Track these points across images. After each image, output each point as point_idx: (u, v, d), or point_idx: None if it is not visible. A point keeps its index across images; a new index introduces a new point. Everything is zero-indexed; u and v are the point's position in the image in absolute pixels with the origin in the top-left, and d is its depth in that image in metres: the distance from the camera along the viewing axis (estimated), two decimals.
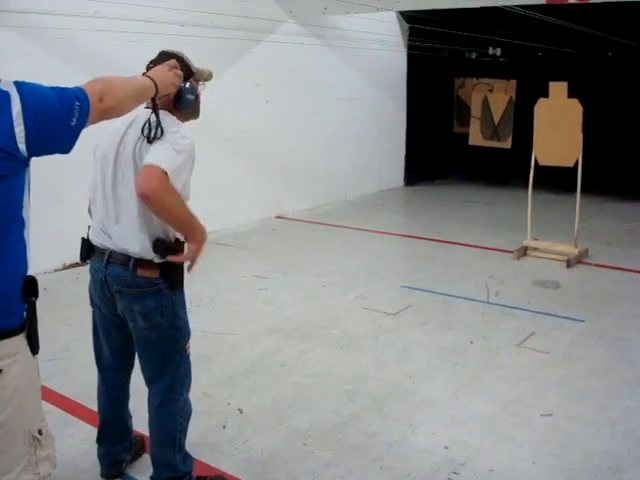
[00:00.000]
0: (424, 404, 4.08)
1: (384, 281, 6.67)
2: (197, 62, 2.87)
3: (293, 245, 8.05)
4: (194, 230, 2.66)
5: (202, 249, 2.68)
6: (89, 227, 2.88)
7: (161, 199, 2.49)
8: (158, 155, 2.53)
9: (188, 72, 2.78)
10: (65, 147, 1.99)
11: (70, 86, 2.00)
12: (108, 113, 2.09)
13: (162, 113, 2.65)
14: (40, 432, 2.08)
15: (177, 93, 2.72)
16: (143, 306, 2.73)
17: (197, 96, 2.87)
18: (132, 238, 2.68)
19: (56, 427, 3.50)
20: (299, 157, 9.63)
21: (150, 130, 2.59)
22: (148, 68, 2.69)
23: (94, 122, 2.04)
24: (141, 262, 2.69)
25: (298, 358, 4.73)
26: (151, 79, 2.40)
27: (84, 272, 3.08)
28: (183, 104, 2.78)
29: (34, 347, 2.05)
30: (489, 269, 6.96)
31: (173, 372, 2.87)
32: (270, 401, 4.09)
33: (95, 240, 2.81)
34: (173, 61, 2.60)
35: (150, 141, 2.59)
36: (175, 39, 6.06)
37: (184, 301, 2.90)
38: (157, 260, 2.70)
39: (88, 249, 2.84)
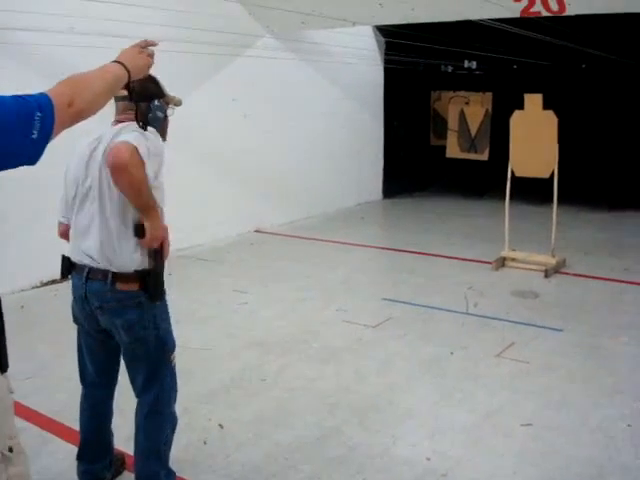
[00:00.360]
0: (405, 416, 4.08)
1: (364, 294, 6.69)
2: (175, 77, 2.90)
3: (272, 259, 8.05)
4: (152, 208, 2.70)
5: (159, 229, 2.76)
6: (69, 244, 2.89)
7: (130, 171, 2.53)
8: (127, 136, 2.62)
9: (159, 93, 2.86)
10: (28, 161, 1.86)
11: (34, 93, 1.86)
12: (80, 116, 1.96)
13: (129, 125, 2.72)
14: (11, 449, 2.05)
15: (146, 109, 2.78)
16: (124, 320, 2.74)
17: (166, 117, 2.93)
18: (108, 253, 2.69)
19: (35, 445, 3.48)
20: (277, 171, 9.64)
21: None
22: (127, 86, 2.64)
23: (66, 127, 1.92)
24: (119, 276, 2.70)
25: (279, 372, 4.72)
26: (121, 64, 2.20)
27: (62, 289, 3.08)
28: (152, 120, 2.81)
29: (2, 365, 2.00)
30: (468, 280, 6.99)
31: (161, 383, 2.88)
32: (251, 416, 4.07)
33: (74, 257, 2.81)
34: (144, 41, 2.40)
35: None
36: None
37: (167, 312, 2.91)
38: (134, 272, 2.71)
39: (68, 266, 2.84)
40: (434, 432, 3.87)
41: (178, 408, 3.08)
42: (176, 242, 8.17)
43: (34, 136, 1.79)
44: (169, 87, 2.99)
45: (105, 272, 2.71)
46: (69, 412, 3.27)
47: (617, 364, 4.88)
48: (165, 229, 2.81)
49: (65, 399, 3.92)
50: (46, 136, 1.84)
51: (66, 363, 3.13)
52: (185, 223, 7.78)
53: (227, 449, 3.67)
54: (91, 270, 2.74)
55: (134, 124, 2.75)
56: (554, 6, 6.94)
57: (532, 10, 7.12)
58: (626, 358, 5.00)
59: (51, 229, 3.02)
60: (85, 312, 2.82)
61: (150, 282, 2.75)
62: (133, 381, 2.93)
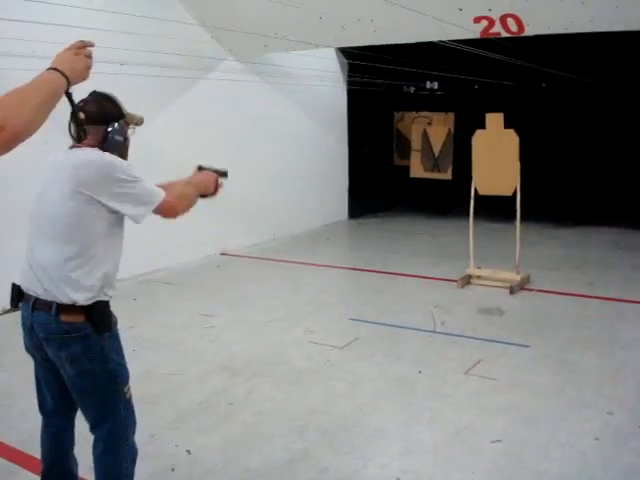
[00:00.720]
0: (375, 436, 4.06)
1: (331, 314, 6.67)
2: (138, 100, 2.83)
3: (238, 281, 8.00)
4: (201, 192, 3.01)
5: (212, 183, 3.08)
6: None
7: (182, 213, 2.86)
8: (145, 197, 2.65)
9: (119, 114, 2.76)
10: None
11: None
12: (17, 138, 1.73)
13: (89, 150, 2.63)
14: None
15: (105, 133, 2.69)
16: (69, 353, 2.63)
17: (126, 139, 2.82)
18: (56, 284, 2.61)
19: (0, 476, 3.39)
20: (242, 193, 9.59)
21: (77, 131, 2.54)
22: (80, 109, 2.55)
23: (1, 154, 1.73)
24: (63, 307, 2.60)
25: (246, 396, 4.67)
26: (57, 70, 1.98)
27: None
28: (110, 145, 2.71)
29: None
30: (434, 299, 7.02)
31: (114, 417, 2.77)
32: (219, 441, 4.01)
33: (24, 286, 2.73)
34: (79, 42, 2.18)
35: (79, 141, 2.61)
36: (115, 78, 6.02)
37: (118, 343, 2.79)
38: (80, 303, 2.61)
39: (19, 295, 2.76)
40: (404, 452, 3.85)
41: (144, 435, 3.02)
42: (141, 266, 8.12)
43: None
44: (132, 110, 2.89)
45: (50, 302, 2.62)
46: (34, 442, 3.18)
47: (584, 378, 4.92)
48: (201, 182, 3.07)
49: (29, 428, 3.82)
50: None
51: (29, 392, 3.05)
52: (150, 247, 7.70)
53: (195, 475, 3.61)
54: (37, 300, 2.65)
55: (93, 150, 2.65)
56: (513, 27, 7.07)
57: (492, 31, 7.24)
58: (592, 372, 5.04)
59: (16, 255, 2.95)
60: (33, 342, 2.73)
61: (97, 313, 2.65)
62: (85, 416, 2.83)
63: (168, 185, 2.83)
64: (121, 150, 2.78)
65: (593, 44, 9.15)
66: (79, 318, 2.62)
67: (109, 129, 2.71)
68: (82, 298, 2.61)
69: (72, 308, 2.61)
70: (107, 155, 2.61)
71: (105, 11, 6.72)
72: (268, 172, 10.13)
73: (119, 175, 2.57)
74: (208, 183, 3.08)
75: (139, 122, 2.87)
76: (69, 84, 2.01)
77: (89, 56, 2.14)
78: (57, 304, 2.60)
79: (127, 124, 2.82)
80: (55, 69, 1.98)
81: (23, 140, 1.76)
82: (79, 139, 2.56)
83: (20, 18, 5.96)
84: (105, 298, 2.69)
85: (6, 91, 1.82)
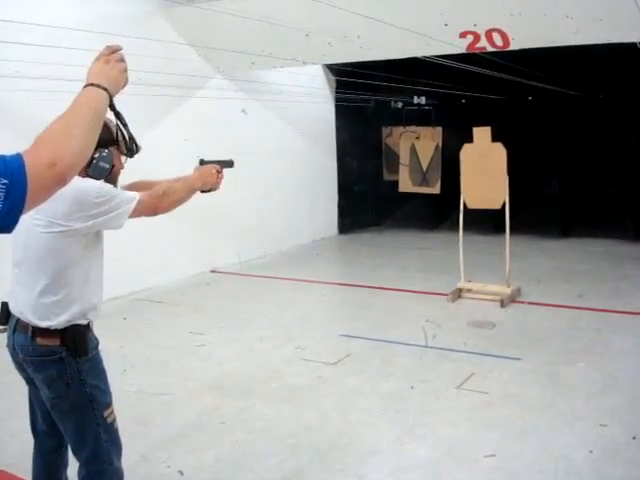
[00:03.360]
0: (368, 453, 4.04)
1: (322, 331, 6.65)
2: (126, 119, 2.60)
3: (228, 299, 7.97)
4: (192, 186, 2.98)
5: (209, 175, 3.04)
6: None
7: (165, 209, 2.81)
8: (120, 208, 2.58)
9: (110, 139, 2.58)
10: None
11: (7, 154, 1.58)
12: (72, 171, 1.66)
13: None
14: None
15: (90, 158, 2.50)
16: (45, 375, 2.62)
17: (113, 166, 2.67)
18: (31, 311, 2.60)
19: None
20: (232, 210, 9.60)
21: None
22: None
23: (54, 190, 1.64)
24: (39, 330, 2.59)
25: (238, 414, 4.64)
26: (95, 86, 1.85)
27: None
28: (94, 171, 2.60)
29: None
30: (425, 313, 7.01)
31: (94, 441, 2.72)
32: (211, 461, 3.98)
33: (10, 305, 2.72)
34: (106, 48, 2.02)
35: (132, 155, 2.56)
36: None
37: (97, 367, 2.75)
38: (55, 327, 2.59)
39: (7, 314, 2.75)
40: (397, 468, 3.83)
41: (135, 455, 3.00)
42: (131, 285, 8.07)
43: None
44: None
45: (27, 324, 2.61)
46: (23, 464, 3.15)
47: (575, 390, 4.92)
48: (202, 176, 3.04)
49: (18, 451, 3.78)
50: (15, 206, 1.54)
51: (18, 414, 3.03)
52: (139, 265, 7.69)
53: None
54: (18, 321, 2.65)
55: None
56: (499, 41, 7.12)
57: (477, 45, 7.29)
58: (584, 384, 5.04)
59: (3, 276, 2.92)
60: (17, 363, 2.75)
61: (73, 337, 2.62)
62: (66, 439, 2.80)
63: (156, 183, 2.87)
64: (107, 177, 2.66)
65: (578, 57, 9.23)
66: (54, 341, 2.60)
67: (95, 154, 2.57)
68: (57, 323, 2.60)
69: (47, 331, 2.60)
70: (78, 181, 2.44)
71: (92, 31, 6.71)
72: (257, 189, 10.12)
73: (92, 200, 2.51)
74: (205, 178, 3.05)
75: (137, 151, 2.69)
76: (111, 96, 1.89)
77: (121, 60, 2.00)
78: (32, 327, 2.60)
79: (120, 152, 2.68)
80: (92, 84, 1.86)
81: (78, 170, 1.71)
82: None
83: (3, 39, 5.95)
84: (82, 322, 2.66)
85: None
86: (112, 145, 2.64)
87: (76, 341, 2.63)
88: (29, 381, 2.80)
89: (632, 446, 4.01)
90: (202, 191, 3.06)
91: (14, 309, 2.68)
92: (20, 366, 2.74)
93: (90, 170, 2.60)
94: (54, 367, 2.61)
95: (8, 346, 2.75)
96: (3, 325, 2.80)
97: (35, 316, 2.59)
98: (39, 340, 2.60)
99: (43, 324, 2.59)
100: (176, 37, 8.26)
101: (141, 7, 7.90)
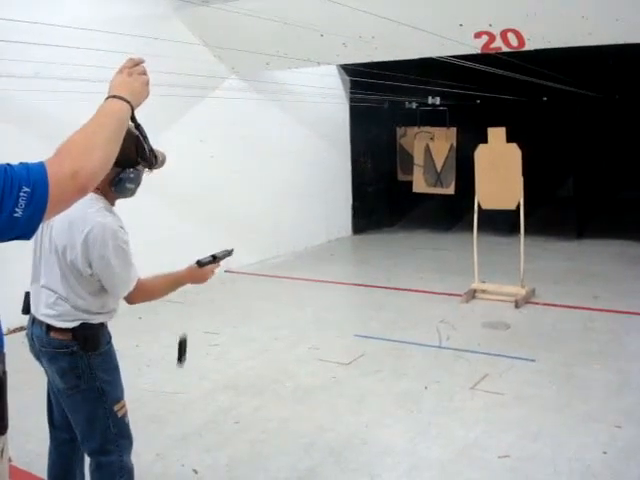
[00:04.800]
0: (382, 453, 4.04)
1: (336, 331, 6.65)
2: (141, 121, 2.51)
3: (243, 299, 8.00)
4: (180, 284, 3.00)
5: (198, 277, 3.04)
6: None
7: (146, 300, 2.86)
8: (121, 277, 2.66)
9: (137, 158, 2.60)
10: (17, 238, 1.60)
11: (30, 162, 1.59)
12: (94, 181, 1.68)
13: (91, 197, 2.53)
14: None
15: (116, 178, 2.58)
16: (58, 367, 2.73)
17: (138, 184, 2.72)
18: (47, 305, 2.71)
19: None
20: (246, 211, 9.63)
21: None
22: None
23: (74, 200, 1.66)
24: (52, 327, 2.71)
25: (252, 414, 4.66)
26: (117, 97, 1.86)
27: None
28: (119, 191, 2.66)
29: (2, 427, 1.84)
30: (439, 314, 7.00)
31: (102, 434, 2.80)
32: (225, 460, 4.00)
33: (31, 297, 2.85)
34: (129, 60, 2.02)
35: (151, 168, 2.59)
36: None
37: (109, 362, 2.82)
38: (66, 327, 2.69)
39: (28, 305, 2.86)
40: (411, 468, 3.84)
41: (150, 454, 3.02)
42: None
43: (17, 214, 1.52)
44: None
45: (41, 322, 2.74)
46: (39, 463, 3.18)
47: (590, 392, 4.90)
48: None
49: (35, 449, 3.82)
50: (36, 215, 1.55)
51: (33, 414, 3.06)
52: (153, 265, 7.68)
53: None
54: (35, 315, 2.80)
55: (100, 202, 2.63)
56: (514, 41, 7.10)
57: (492, 46, 7.27)
58: (599, 385, 5.02)
59: (18, 276, 2.97)
60: (34, 352, 2.85)
61: (80, 334, 2.70)
62: (76, 431, 2.87)
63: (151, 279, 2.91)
64: (128, 195, 2.74)
65: (594, 57, 9.18)
66: (67, 336, 2.70)
67: (122, 175, 2.61)
68: (70, 325, 2.70)
69: (59, 329, 2.70)
70: (108, 226, 2.59)
71: (106, 32, 6.77)
72: (271, 189, 10.15)
73: (118, 247, 2.63)
74: (197, 279, 3.08)
75: (160, 164, 2.69)
76: (132, 108, 1.89)
77: (144, 73, 2.01)
78: (46, 324, 2.71)
79: (145, 167, 2.68)
80: (114, 96, 1.86)
81: (99, 180, 1.72)
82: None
83: (21, 40, 6.00)
84: (95, 321, 2.74)
85: (15, 112, 1.79)
86: (138, 164, 2.65)
87: (87, 338, 2.72)
88: (45, 373, 2.89)
89: None
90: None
91: (32, 302, 2.80)
92: (37, 356, 2.84)
93: (115, 189, 2.65)
94: (66, 360, 2.71)
95: (27, 335, 2.87)
96: (26, 314, 2.88)
97: (50, 315, 2.70)
98: (52, 334, 2.71)
99: (57, 324, 2.69)
100: (191, 38, 8.30)
101: (157, 8, 7.94)
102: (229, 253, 3.15)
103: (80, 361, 2.71)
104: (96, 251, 2.57)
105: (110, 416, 2.80)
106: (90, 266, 2.61)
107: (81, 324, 2.70)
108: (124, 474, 2.88)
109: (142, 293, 2.78)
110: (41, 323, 2.72)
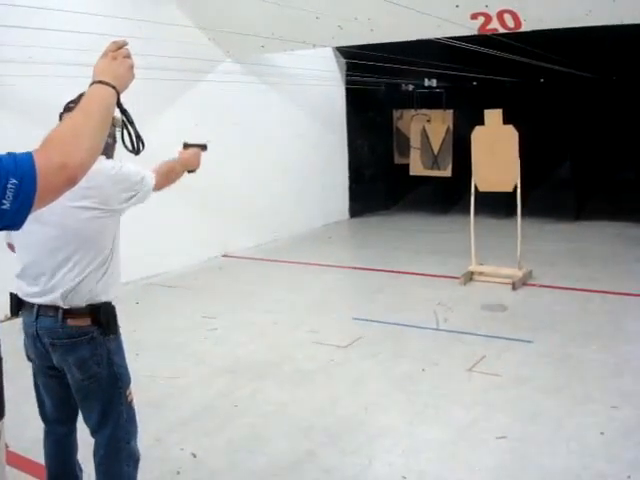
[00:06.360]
0: (380, 435, 4.06)
1: (334, 314, 6.67)
2: (136, 104, 2.53)
3: (241, 283, 8.00)
4: (188, 168, 3.21)
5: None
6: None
7: (163, 187, 3.01)
8: (133, 176, 2.72)
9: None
10: (6, 228, 1.60)
11: (18, 153, 1.57)
12: (83, 171, 1.65)
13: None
14: None
15: None
16: (77, 357, 2.67)
17: (115, 140, 2.71)
18: (71, 287, 2.63)
19: None
20: (243, 195, 9.62)
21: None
22: (68, 109, 2.56)
23: (63, 191, 1.65)
24: (69, 312, 2.64)
25: (251, 397, 4.67)
26: (102, 83, 1.83)
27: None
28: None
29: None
30: (437, 296, 7.01)
31: (115, 421, 2.79)
32: (224, 443, 4.01)
33: (22, 294, 2.74)
34: (112, 44, 1.97)
35: (137, 154, 2.55)
36: None
37: (121, 347, 2.83)
38: (92, 305, 2.66)
39: (17, 303, 2.77)
40: (409, 450, 3.85)
41: (149, 439, 3.03)
42: (143, 269, 8.11)
43: (5, 206, 1.51)
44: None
45: (55, 307, 2.64)
46: (38, 449, 3.18)
47: (588, 373, 4.92)
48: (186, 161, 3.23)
49: (33, 436, 3.81)
50: (24, 206, 1.55)
51: (32, 400, 3.05)
52: (152, 250, 7.71)
53: (201, 478, 3.61)
54: (41, 307, 2.67)
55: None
56: (510, 23, 7.06)
57: (489, 27, 7.23)
58: (596, 366, 5.04)
59: (11, 262, 2.94)
60: (38, 350, 2.75)
61: (103, 315, 2.68)
62: (87, 419, 2.84)
63: (158, 167, 3.04)
64: (110, 151, 2.77)
65: (591, 38, 9.13)
66: (85, 321, 2.66)
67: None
68: (97, 301, 2.67)
69: (78, 312, 2.64)
70: (103, 165, 2.61)
71: (101, 15, 6.72)
72: (268, 173, 10.13)
73: (133, 180, 2.72)
74: (194, 160, 3.27)
75: (116, 123, 2.79)
76: (118, 93, 1.87)
77: (128, 56, 1.97)
78: (62, 309, 2.63)
79: (113, 126, 2.77)
80: (100, 82, 1.83)
81: (88, 170, 1.69)
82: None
83: (14, 24, 5.95)
84: (112, 299, 2.74)
85: (9, 97, 1.78)
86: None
87: (109, 319, 2.71)
88: (45, 368, 2.82)
89: None
90: (188, 171, 3.25)
91: (33, 296, 2.69)
92: (41, 353, 2.75)
93: None
94: (86, 348, 2.67)
95: (27, 333, 2.77)
96: (15, 316, 2.83)
97: (73, 297, 2.63)
98: (70, 321, 2.64)
99: (81, 304, 2.63)
100: (185, 20, 8.24)
101: None
102: (205, 147, 3.45)
103: (99, 347, 2.69)
104: (108, 192, 2.64)
105: (123, 402, 2.81)
106: (119, 203, 2.68)
107: (102, 305, 2.68)
108: (131, 461, 2.88)
109: (165, 176, 3.03)
110: (54, 311, 2.63)
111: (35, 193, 1.54)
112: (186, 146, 3.36)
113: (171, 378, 5.02)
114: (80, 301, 2.64)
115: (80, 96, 2.55)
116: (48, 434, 3.04)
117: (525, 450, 3.81)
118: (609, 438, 3.90)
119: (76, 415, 3.01)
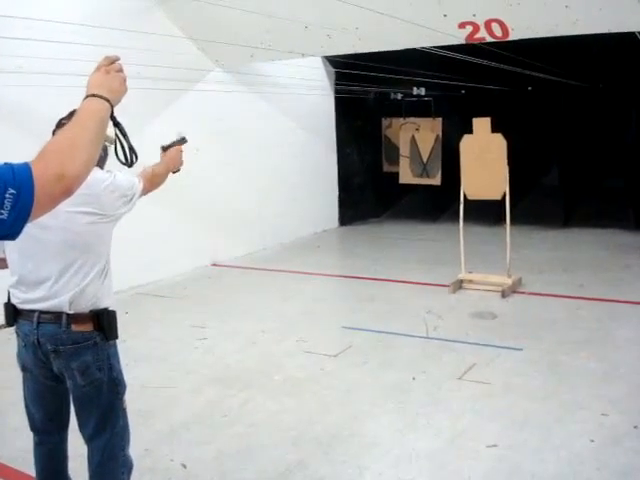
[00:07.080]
0: (370, 445, 4.05)
1: (323, 323, 6.66)
2: (125, 114, 2.51)
3: (230, 292, 7.98)
4: (170, 169, 3.31)
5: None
6: (9, 291, 2.80)
7: (149, 191, 3.06)
8: (125, 183, 2.79)
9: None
10: (3, 238, 1.62)
11: (14, 163, 1.59)
12: (79, 182, 1.68)
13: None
14: None
15: None
16: (81, 362, 2.68)
17: (106, 154, 2.78)
18: (75, 293, 2.65)
19: None
20: (232, 204, 9.61)
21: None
22: (60, 125, 2.61)
23: (59, 202, 1.67)
24: (73, 317, 2.65)
25: (240, 407, 4.65)
26: (96, 96, 1.86)
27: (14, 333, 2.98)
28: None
29: None
30: (426, 304, 7.01)
31: (112, 427, 2.81)
32: (214, 454, 3.99)
33: (20, 303, 2.73)
34: (105, 59, 2.01)
35: (131, 166, 2.57)
36: None
37: (117, 353, 2.85)
38: (94, 310, 2.69)
39: (13, 313, 2.75)
40: (400, 459, 3.85)
41: (139, 449, 3.01)
42: (133, 279, 8.06)
43: (2, 216, 1.52)
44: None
45: (59, 314, 2.65)
46: (28, 458, 3.16)
47: (577, 380, 4.93)
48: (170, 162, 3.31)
49: (23, 446, 3.79)
50: (21, 216, 1.56)
51: (21, 410, 3.03)
52: (140, 260, 7.68)
53: None
54: (42, 314, 2.67)
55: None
56: (498, 31, 7.10)
57: (477, 36, 7.27)
58: (585, 373, 5.05)
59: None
60: (38, 359, 2.74)
61: (105, 321, 2.71)
62: (83, 426, 2.83)
63: (143, 172, 3.06)
64: (102, 163, 2.81)
65: (578, 47, 9.20)
66: (88, 327, 2.69)
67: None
68: (98, 307, 2.71)
69: (82, 317, 2.67)
70: (100, 175, 2.68)
71: (89, 25, 6.71)
72: (257, 181, 10.12)
73: (126, 187, 2.80)
74: (176, 160, 3.33)
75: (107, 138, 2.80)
76: (112, 106, 1.91)
77: (120, 70, 2.01)
78: (66, 315, 2.65)
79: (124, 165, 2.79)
80: (94, 95, 1.87)
81: (83, 181, 1.72)
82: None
83: (4, 35, 5.94)
84: (109, 305, 2.78)
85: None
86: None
87: (111, 324, 2.74)
88: (42, 378, 2.81)
89: (633, 435, 4.03)
90: (173, 172, 3.32)
91: (34, 302, 2.69)
92: (40, 361, 2.74)
93: None
94: (89, 353, 2.69)
95: (27, 342, 2.75)
96: (11, 326, 2.82)
97: (79, 302, 2.65)
98: (74, 327, 2.66)
99: (85, 309, 2.67)
100: (174, 30, 8.24)
101: (140, 1, 7.86)
102: (184, 140, 3.50)
103: (101, 352, 2.72)
104: (104, 200, 2.69)
105: (120, 408, 2.84)
106: (115, 209, 2.74)
107: (104, 310, 2.72)
108: (126, 469, 2.89)
109: (150, 180, 3.08)
110: (57, 317, 2.64)
111: (32, 203, 1.56)
112: (165, 149, 3.37)
113: (161, 388, 5.00)
114: (85, 306, 2.67)
115: (72, 113, 2.57)
116: (38, 445, 3.02)
117: (516, 458, 3.81)
118: (599, 445, 3.91)
119: (67, 425, 3.00)
